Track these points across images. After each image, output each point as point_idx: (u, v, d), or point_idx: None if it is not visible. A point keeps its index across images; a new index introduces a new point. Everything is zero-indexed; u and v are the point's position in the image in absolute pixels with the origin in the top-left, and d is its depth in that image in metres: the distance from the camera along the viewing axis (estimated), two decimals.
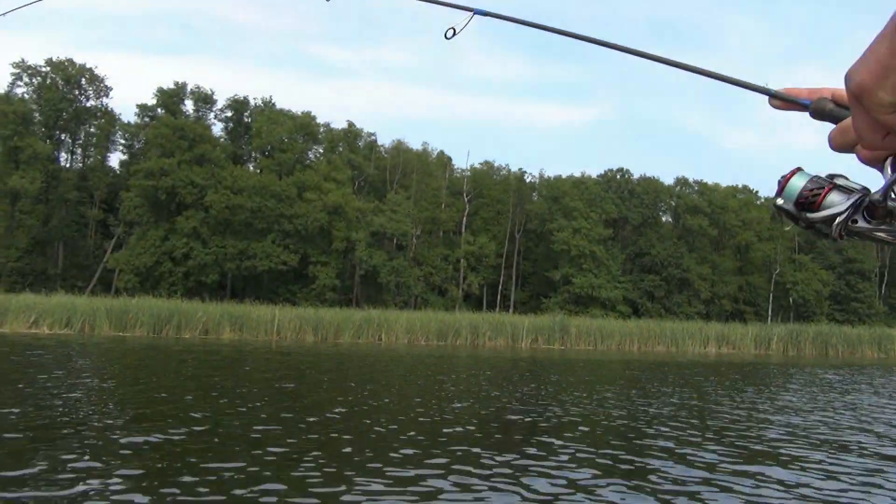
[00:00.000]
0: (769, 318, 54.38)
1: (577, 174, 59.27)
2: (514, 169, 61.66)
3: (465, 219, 57.03)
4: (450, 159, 62.18)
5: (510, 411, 10.82)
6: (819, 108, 0.81)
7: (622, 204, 57.34)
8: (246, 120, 57.93)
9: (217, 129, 57.32)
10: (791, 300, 56.74)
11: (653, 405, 12.09)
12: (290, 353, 23.02)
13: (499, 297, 55.90)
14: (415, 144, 64.64)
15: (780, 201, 0.84)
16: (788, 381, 18.26)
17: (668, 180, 61.39)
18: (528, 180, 61.49)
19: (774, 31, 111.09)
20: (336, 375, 16.39)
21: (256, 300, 39.69)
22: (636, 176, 60.26)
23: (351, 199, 51.83)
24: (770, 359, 30.28)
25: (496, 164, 62.30)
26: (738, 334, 36.70)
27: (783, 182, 0.84)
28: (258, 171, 54.78)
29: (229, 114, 57.87)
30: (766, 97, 0.88)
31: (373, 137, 60.94)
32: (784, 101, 0.85)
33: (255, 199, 49.42)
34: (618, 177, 59.70)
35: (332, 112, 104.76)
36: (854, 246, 59.36)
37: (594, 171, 66.76)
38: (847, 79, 0.65)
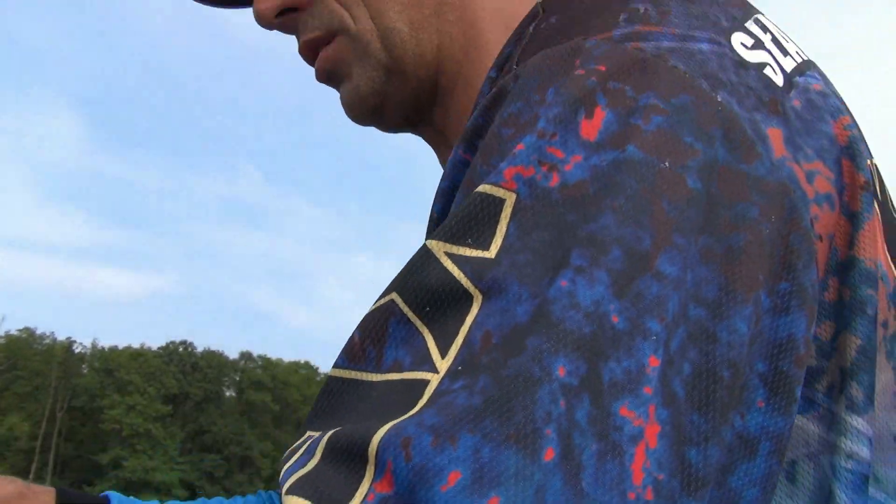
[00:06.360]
0: None
1: (136, 345, 55.32)
2: (61, 338, 55.09)
3: None
4: None
5: None
6: None
7: (184, 378, 54.61)
8: None
9: None
10: None
11: None
12: None
13: None
14: None
15: None
16: None
17: (232, 354, 60.86)
18: (77, 351, 55.28)
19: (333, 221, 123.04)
20: None
21: None
22: (200, 349, 58.54)
23: None
24: None
25: (38, 332, 55.00)
26: None
27: None
28: None
29: None
30: None
31: None
32: None
33: None
34: (180, 349, 57.20)
35: None
36: None
37: (155, 343, 63.19)
38: None
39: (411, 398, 0.36)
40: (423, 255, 0.40)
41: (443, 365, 0.36)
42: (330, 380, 0.42)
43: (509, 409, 0.33)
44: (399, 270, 0.41)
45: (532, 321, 0.35)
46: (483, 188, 0.40)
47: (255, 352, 62.29)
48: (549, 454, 0.32)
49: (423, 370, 0.37)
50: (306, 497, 0.34)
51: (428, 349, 0.37)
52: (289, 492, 0.34)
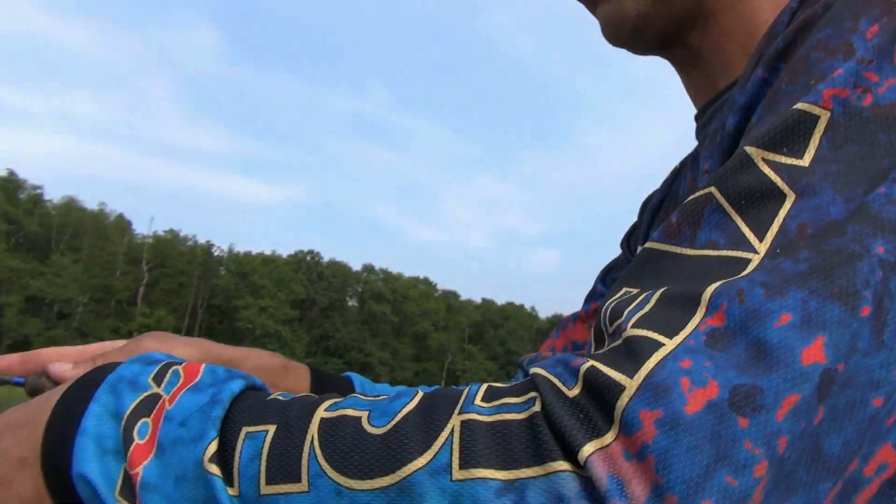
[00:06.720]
0: None
1: (268, 252, 58.61)
2: (201, 241, 59.10)
3: (142, 289, 52.78)
4: (129, 223, 57.77)
5: None
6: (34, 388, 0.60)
7: (310, 286, 57.56)
8: None
9: None
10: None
11: None
12: None
13: None
14: (90, 204, 59.04)
15: None
16: None
17: (356, 266, 63.38)
18: (215, 254, 59.21)
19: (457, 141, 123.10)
20: None
21: None
22: (326, 259, 61.30)
23: (5, 256, 45.12)
24: None
25: (182, 234, 59.18)
26: None
27: None
28: None
29: None
30: None
31: (39, 191, 54.37)
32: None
33: None
34: (308, 258, 60.11)
35: None
36: (514, 339, 65.97)
37: (285, 251, 66.57)
38: None
39: (733, 271, 0.39)
40: (742, 157, 0.43)
41: (761, 247, 0.39)
42: (645, 250, 0.46)
43: (833, 275, 0.37)
44: (717, 169, 0.44)
45: (849, 216, 0.39)
46: (801, 105, 0.42)
47: (377, 265, 64.49)
48: (865, 311, 0.37)
49: (740, 250, 0.40)
50: (647, 328, 0.38)
51: (743, 234, 0.40)
52: (634, 326, 0.39)
